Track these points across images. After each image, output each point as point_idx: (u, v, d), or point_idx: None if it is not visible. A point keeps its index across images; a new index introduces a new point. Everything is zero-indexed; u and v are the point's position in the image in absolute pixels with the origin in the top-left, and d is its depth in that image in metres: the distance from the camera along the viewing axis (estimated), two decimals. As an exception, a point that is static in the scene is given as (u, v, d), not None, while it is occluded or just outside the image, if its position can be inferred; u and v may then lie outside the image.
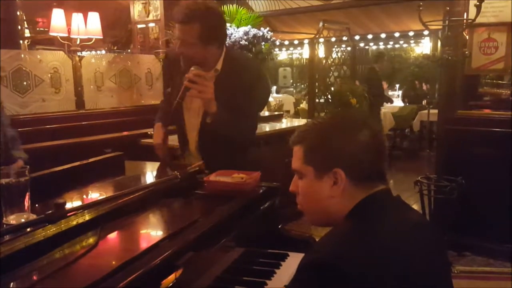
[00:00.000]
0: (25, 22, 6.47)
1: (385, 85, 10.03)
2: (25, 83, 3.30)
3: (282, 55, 14.21)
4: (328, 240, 0.93)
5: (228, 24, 4.16)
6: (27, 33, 6.68)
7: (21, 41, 6.00)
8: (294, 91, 12.63)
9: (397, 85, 10.23)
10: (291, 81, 14.09)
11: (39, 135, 3.23)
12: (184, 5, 1.86)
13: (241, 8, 4.36)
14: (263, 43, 4.12)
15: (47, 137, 3.29)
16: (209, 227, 1.26)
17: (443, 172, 3.25)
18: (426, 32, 5.33)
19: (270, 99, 10.12)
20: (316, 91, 5.08)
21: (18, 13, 5.52)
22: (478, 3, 2.84)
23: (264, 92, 2.22)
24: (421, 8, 2.98)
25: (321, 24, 4.37)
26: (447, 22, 3.11)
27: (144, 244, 1.16)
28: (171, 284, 1.02)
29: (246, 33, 4.02)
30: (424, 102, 8.27)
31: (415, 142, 8.17)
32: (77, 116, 3.64)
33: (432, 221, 3.34)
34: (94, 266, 1.03)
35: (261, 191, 1.63)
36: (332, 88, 5.04)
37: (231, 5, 4.34)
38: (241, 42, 3.97)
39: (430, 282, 0.92)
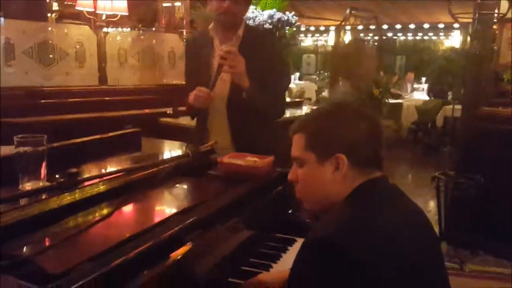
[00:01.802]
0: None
1: (410, 76, 9.87)
2: (50, 55, 3.36)
3: (306, 42, 14.06)
4: (329, 220, 0.96)
5: (252, 7, 4.15)
6: (55, 7, 6.77)
7: (48, 14, 6.09)
8: (317, 78, 12.50)
9: (423, 78, 10.03)
10: (315, 68, 13.95)
11: (61, 107, 3.30)
12: None
13: (267, -10, 4.32)
14: (287, 27, 4.09)
15: (69, 110, 3.35)
16: (218, 207, 1.27)
17: (462, 169, 3.20)
18: (456, 25, 5.18)
19: (292, 85, 10.10)
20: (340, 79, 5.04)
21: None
22: (511, -2, 2.75)
23: (286, 67, 2.24)
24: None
25: (348, 11, 4.30)
26: (477, 15, 3.01)
27: (155, 218, 1.18)
28: (179, 257, 1.05)
29: (271, 17, 3.99)
30: (449, 96, 8.08)
31: (438, 137, 8.02)
32: (99, 91, 3.69)
33: (448, 217, 3.31)
34: (106, 236, 1.05)
35: (273, 175, 1.64)
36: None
37: (257, -13, 4.31)
38: (265, 26, 3.95)
39: (425, 268, 0.94)
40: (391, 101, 7.46)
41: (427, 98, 8.49)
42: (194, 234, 1.13)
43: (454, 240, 3.23)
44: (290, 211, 1.69)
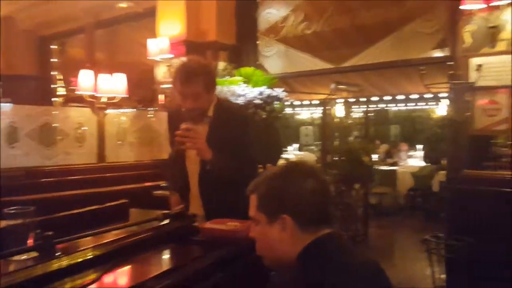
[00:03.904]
0: (58, 81, 6.98)
1: (404, 146, 10.09)
2: (51, 136, 3.56)
3: (304, 114, 14.51)
4: (282, 280, 1.02)
5: (244, 85, 4.43)
6: (61, 91, 7.17)
7: (54, 99, 6.45)
8: (316, 149, 12.75)
9: (420, 146, 10.25)
10: (313, 139, 14.27)
11: (61, 185, 3.43)
12: (186, 65, 2.14)
13: (257, 70, 4.64)
14: (277, 102, 4.33)
15: (69, 187, 3.48)
16: (196, 270, 1.35)
17: (453, 232, 3.24)
18: (441, 94, 5.45)
19: (292, 156, 10.31)
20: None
21: (52, 72, 6.01)
22: (477, 68, 2.98)
23: (268, 139, 2.40)
24: (423, 72, 3.14)
25: (333, 85, 4.58)
26: (450, 85, 3.24)
27: (134, 282, 1.25)
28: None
29: (261, 93, 4.25)
30: (442, 162, 8.22)
31: (436, 202, 8.04)
32: (98, 168, 3.85)
33: (446, 282, 3.30)
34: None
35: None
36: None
37: (248, 67, 4.63)
38: (255, 101, 4.19)
39: None
40: (385, 168, 7.61)
41: (423, 164, 8.63)
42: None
43: (451, 304, 3.19)
44: (272, 273, 1.75)
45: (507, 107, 3.13)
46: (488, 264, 3.13)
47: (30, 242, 1.26)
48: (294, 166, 1.18)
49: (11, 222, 1.23)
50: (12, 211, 1.23)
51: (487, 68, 3.09)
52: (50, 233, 1.17)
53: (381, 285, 1.07)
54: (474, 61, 3.17)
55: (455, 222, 3.30)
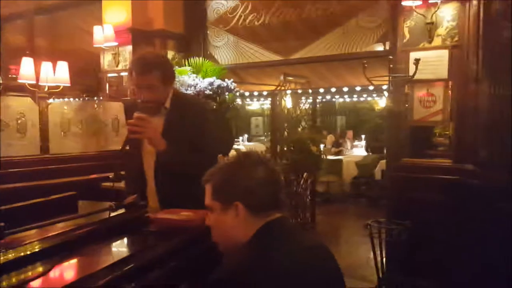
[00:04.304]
0: (-1, 69, 6.59)
1: (350, 134, 10.47)
2: (-10, 128, 3.38)
3: (254, 105, 14.62)
4: (230, 262, 1.08)
5: (194, 75, 4.42)
6: (-1, 80, 6.78)
7: (-9, 87, 6.08)
8: (266, 139, 12.93)
9: (363, 136, 10.67)
10: (263, 130, 14.44)
11: (3, 177, 3.28)
12: (142, 57, 2.15)
13: (207, 61, 4.64)
14: (227, 93, 4.36)
15: (12, 180, 3.33)
16: (148, 259, 1.37)
17: (393, 217, 3.44)
18: (384, 87, 5.70)
19: (241, 146, 10.39)
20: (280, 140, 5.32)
21: (-10, 60, 5.66)
22: (415, 61, 3.17)
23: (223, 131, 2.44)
24: (366, 65, 3.28)
25: (281, 77, 4.66)
26: (390, 78, 3.41)
27: (85, 272, 1.25)
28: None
29: (211, 84, 4.26)
30: (384, 151, 8.61)
31: (379, 189, 8.44)
32: (41, 160, 3.70)
33: (388, 264, 3.50)
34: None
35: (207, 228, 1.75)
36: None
37: (197, 58, 4.61)
38: (206, 92, 4.20)
39: None
40: (331, 157, 7.88)
41: (366, 154, 9.02)
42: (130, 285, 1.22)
43: (392, 283, 3.40)
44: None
45: (442, 99, 3.36)
46: (425, 246, 3.36)
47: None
48: (246, 156, 1.25)
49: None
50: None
51: (424, 62, 3.28)
52: (1, 224, 1.14)
53: (329, 266, 1.15)
54: (413, 55, 3.36)
55: (395, 208, 3.51)
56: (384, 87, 4.12)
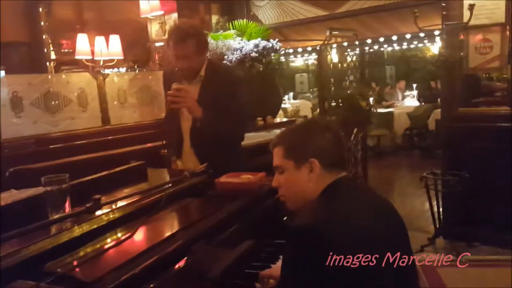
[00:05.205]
0: (50, 45, 6.87)
1: (402, 84, 10.14)
2: (54, 103, 3.62)
3: (298, 62, 14.40)
4: (308, 214, 1.18)
5: (239, 38, 4.43)
6: (52, 56, 7.08)
7: (47, 63, 6.40)
8: (311, 96, 12.78)
9: (414, 85, 10.30)
10: (308, 86, 14.26)
11: (69, 150, 3.53)
12: (177, 27, 2.26)
13: (251, 22, 4.62)
14: (273, 54, 4.36)
15: (76, 152, 3.58)
16: (218, 220, 1.49)
17: (448, 168, 3.41)
18: (436, 32, 5.45)
19: (287, 105, 10.34)
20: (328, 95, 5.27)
21: (43, 36, 5.91)
22: (470, 7, 3.01)
23: (268, 92, 2.51)
24: (417, 14, 3.17)
25: (328, 32, 4.58)
26: (443, 26, 3.28)
27: (165, 234, 1.39)
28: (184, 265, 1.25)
29: (256, 46, 4.26)
30: (439, 100, 8.33)
31: (432, 140, 8.23)
32: (103, 132, 3.94)
33: (444, 214, 3.50)
34: (127, 251, 1.26)
35: (267, 189, 1.85)
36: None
37: (241, 20, 4.61)
38: (251, 54, 4.21)
39: (391, 248, 1.12)
40: (382, 110, 7.73)
41: (418, 104, 8.74)
42: (199, 245, 1.35)
43: (450, 234, 3.42)
44: (285, 218, 1.90)
45: (499, 45, 3.20)
46: (482, 196, 3.32)
47: (67, 206, 1.39)
48: (314, 122, 1.36)
49: (49, 189, 1.34)
50: (49, 179, 1.34)
51: (479, 6, 3.12)
52: (98, 196, 1.28)
53: (395, 221, 1.22)
54: (467, 1, 3.19)
55: (451, 158, 3.46)
56: (436, 32, 3.95)
